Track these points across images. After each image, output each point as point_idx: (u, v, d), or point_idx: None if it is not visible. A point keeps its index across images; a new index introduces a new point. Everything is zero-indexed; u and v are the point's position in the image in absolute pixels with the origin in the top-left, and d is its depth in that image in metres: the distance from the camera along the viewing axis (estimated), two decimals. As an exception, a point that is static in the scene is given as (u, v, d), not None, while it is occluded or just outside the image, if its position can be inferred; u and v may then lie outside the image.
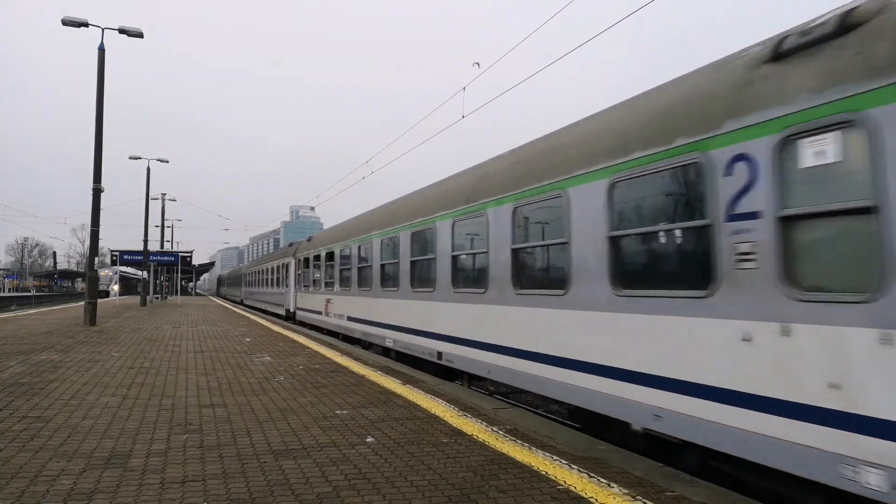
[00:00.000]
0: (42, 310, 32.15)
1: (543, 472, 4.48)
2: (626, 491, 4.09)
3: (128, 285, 75.85)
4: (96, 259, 19.70)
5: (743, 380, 4.34)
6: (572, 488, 4.14)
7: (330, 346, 13.57)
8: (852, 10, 4.06)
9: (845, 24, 4.01)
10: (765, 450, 4.16)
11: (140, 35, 19.64)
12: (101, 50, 18.98)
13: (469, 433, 5.65)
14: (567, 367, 6.44)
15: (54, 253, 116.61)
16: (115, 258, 37.04)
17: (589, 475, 4.43)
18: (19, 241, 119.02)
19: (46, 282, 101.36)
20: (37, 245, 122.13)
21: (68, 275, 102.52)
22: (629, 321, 5.56)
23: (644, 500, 3.92)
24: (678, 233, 5.19)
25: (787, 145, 4.18)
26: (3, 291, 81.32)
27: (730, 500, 4.02)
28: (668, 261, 5.45)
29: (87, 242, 22.40)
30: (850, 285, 3.78)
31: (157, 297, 47.93)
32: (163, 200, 48.70)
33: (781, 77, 4.34)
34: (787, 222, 4.14)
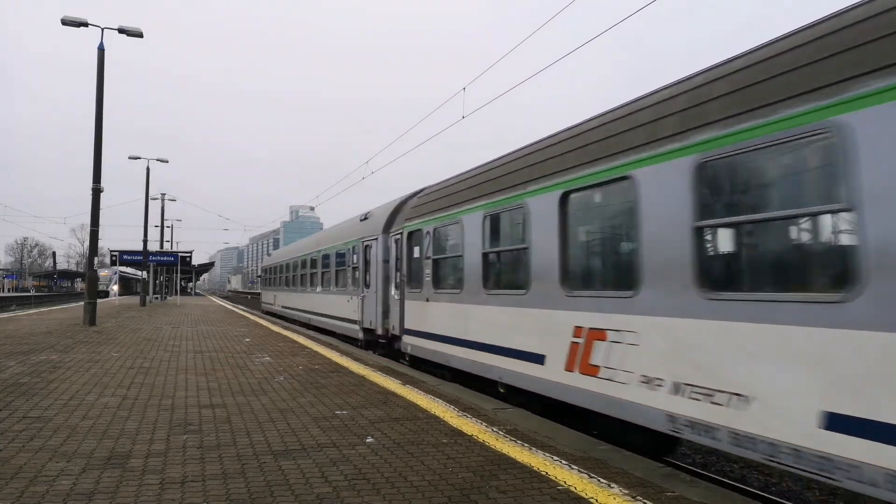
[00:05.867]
0: (42, 310, 32.13)
1: (543, 473, 4.48)
2: (627, 491, 4.09)
3: (127, 285, 75.79)
4: (96, 259, 19.68)
5: None
6: (572, 489, 4.14)
7: (330, 346, 13.57)
8: None
9: None
10: None
11: (140, 35, 19.62)
12: (101, 50, 18.96)
13: (469, 433, 5.65)
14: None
15: (54, 253, 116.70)
16: (114, 258, 37.07)
17: (589, 475, 4.43)
18: (19, 242, 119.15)
19: (46, 282, 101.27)
20: (36, 245, 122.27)
21: (68, 275, 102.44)
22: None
23: (644, 501, 3.92)
24: None
25: None
26: (3, 291, 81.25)
27: (729, 501, 4.02)
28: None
29: (87, 242, 22.37)
30: None
31: (157, 298, 47.91)
32: (162, 200, 48.69)
33: None
34: None
